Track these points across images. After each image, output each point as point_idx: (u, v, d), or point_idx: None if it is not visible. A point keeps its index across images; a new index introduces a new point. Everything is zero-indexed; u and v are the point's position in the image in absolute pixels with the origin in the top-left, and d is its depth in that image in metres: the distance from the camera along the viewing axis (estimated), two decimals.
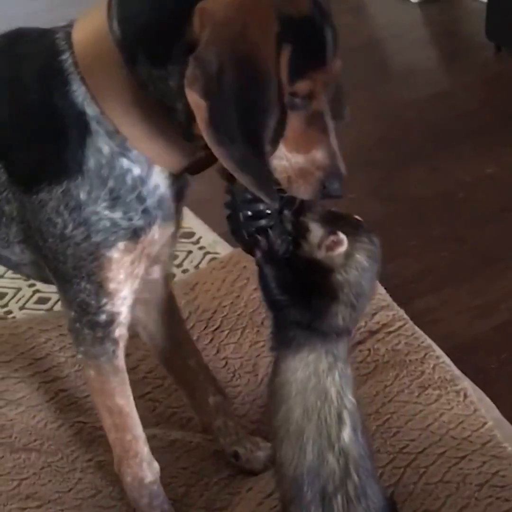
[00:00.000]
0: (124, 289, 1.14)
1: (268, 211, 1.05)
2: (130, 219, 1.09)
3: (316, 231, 1.05)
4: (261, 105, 0.96)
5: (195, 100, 0.96)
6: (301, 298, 1.06)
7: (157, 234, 1.13)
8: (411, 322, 1.52)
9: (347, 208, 2.21)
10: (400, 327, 1.49)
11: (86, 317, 1.16)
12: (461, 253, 2.04)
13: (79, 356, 1.21)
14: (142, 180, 1.09)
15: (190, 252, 2.12)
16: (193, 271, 2.02)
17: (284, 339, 1.08)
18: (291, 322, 1.07)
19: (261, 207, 1.05)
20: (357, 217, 1.09)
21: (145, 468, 1.25)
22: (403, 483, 1.21)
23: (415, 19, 3.35)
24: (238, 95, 0.95)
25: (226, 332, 1.54)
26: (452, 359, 1.46)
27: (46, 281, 1.23)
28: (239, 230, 1.06)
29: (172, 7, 0.99)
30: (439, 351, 1.45)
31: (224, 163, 0.98)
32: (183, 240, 2.17)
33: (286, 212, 1.06)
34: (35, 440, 1.36)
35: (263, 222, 1.05)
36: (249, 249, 1.08)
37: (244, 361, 1.49)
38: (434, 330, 1.58)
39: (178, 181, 1.13)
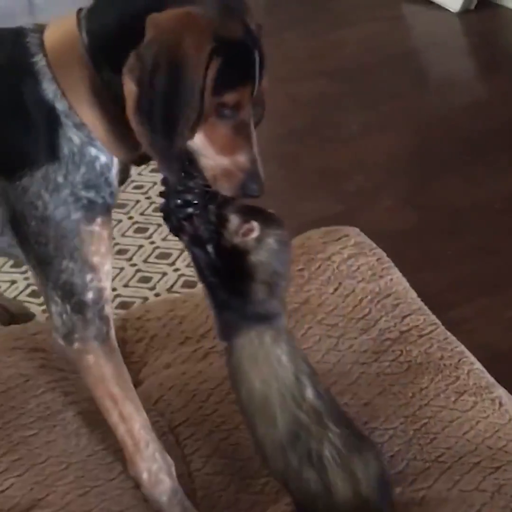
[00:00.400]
0: (106, 263, 1.23)
1: (195, 202, 1.23)
2: (103, 198, 1.22)
3: (234, 220, 1.23)
4: (181, 103, 1.12)
5: (129, 86, 1.12)
6: (227, 278, 1.23)
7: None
8: (442, 327, 1.52)
9: (381, 216, 2.24)
10: (432, 331, 1.49)
11: (72, 300, 1.21)
12: (496, 264, 2.03)
13: (75, 345, 1.24)
14: (108, 167, 1.22)
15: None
16: None
17: (226, 324, 1.23)
18: (225, 305, 1.23)
19: (189, 197, 1.23)
20: (270, 210, 1.26)
21: (158, 458, 1.28)
22: (437, 489, 1.21)
23: (453, 29, 3.33)
24: (164, 91, 1.11)
25: None
26: (486, 369, 1.45)
27: (31, 266, 1.29)
28: (169, 216, 1.25)
29: (130, 22, 1.15)
30: (472, 358, 1.45)
31: (141, 142, 1.14)
32: None
33: (210, 206, 1.24)
34: (85, 426, 1.38)
35: (190, 210, 1.23)
36: (177, 233, 1.27)
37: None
38: (468, 340, 1.57)
39: (124, 171, 1.28)
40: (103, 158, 1.21)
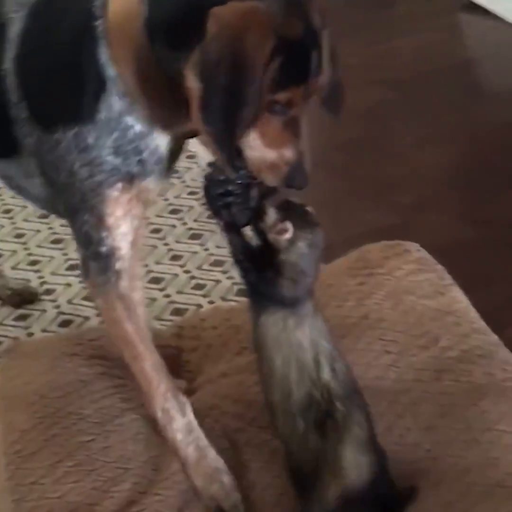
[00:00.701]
0: (123, 225, 1.30)
1: (236, 191, 1.27)
2: (128, 166, 1.27)
3: (271, 215, 1.27)
4: (241, 99, 1.15)
5: (192, 81, 1.16)
6: (259, 266, 1.28)
7: (152, 184, 1.31)
8: (504, 348, 1.50)
9: (437, 230, 2.22)
10: (493, 352, 1.47)
11: (90, 248, 1.32)
12: None
13: (89, 287, 1.37)
14: (141, 136, 1.26)
15: None
16: None
17: (255, 301, 1.31)
18: (255, 287, 1.30)
19: (230, 187, 1.27)
20: (308, 209, 1.29)
21: (170, 397, 1.34)
22: None
23: (509, 40, 3.30)
24: (226, 86, 1.15)
25: None
26: None
27: (58, 213, 1.41)
28: (210, 202, 1.31)
29: (193, 7, 1.18)
30: None
31: (204, 135, 1.18)
32: None
33: (253, 192, 1.28)
34: (142, 433, 1.40)
35: (229, 199, 1.28)
36: (216, 219, 1.33)
37: None
38: None
39: (176, 143, 1.32)
40: (138, 127, 1.25)
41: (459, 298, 1.56)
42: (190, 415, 1.36)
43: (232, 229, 1.30)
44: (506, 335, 1.75)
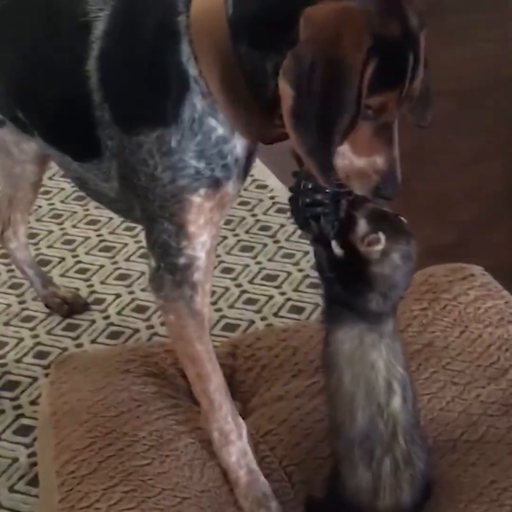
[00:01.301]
0: (204, 234, 1.25)
1: (325, 201, 1.22)
2: (212, 170, 1.22)
3: (362, 226, 1.20)
4: (339, 105, 1.09)
5: (284, 88, 1.09)
6: (345, 278, 1.21)
7: (232, 188, 1.26)
8: None
9: (497, 250, 2.16)
10: None
11: (166, 260, 1.26)
12: None
13: (160, 301, 1.31)
14: (224, 139, 1.21)
15: None
16: None
17: (333, 314, 1.24)
18: (337, 299, 1.23)
19: (319, 196, 1.22)
20: (402, 218, 1.23)
21: (230, 421, 1.32)
22: None
23: None
24: (322, 92, 1.08)
25: None
26: None
27: (134, 219, 1.37)
28: (298, 213, 1.24)
29: (281, 6, 1.12)
30: None
31: (296, 146, 1.11)
32: None
33: (343, 202, 1.22)
34: (199, 458, 1.36)
35: (318, 209, 1.22)
36: (302, 229, 1.27)
37: None
38: None
39: (252, 146, 1.27)
40: (221, 130, 1.21)
41: None
42: (246, 439, 1.34)
43: (320, 241, 1.23)
44: None
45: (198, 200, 1.22)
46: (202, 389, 1.32)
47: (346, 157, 1.15)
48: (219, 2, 1.17)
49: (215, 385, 1.32)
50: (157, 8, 1.23)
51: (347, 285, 1.21)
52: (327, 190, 1.20)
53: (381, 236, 1.17)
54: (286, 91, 1.09)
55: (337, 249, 1.23)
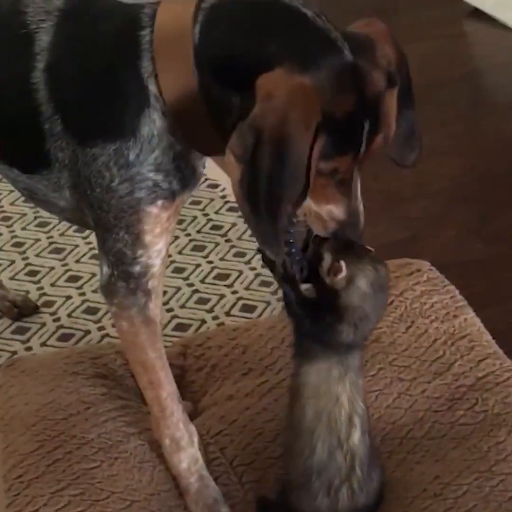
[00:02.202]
0: (160, 242, 1.25)
1: (291, 241, 1.21)
2: (170, 183, 1.22)
3: (327, 259, 1.22)
4: (285, 181, 1.08)
5: (231, 161, 1.10)
6: (314, 313, 1.22)
7: (187, 196, 1.28)
8: None
9: (447, 246, 2.18)
10: (509, 378, 1.43)
11: (121, 267, 1.26)
12: None
13: (113, 309, 1.29)
14: (182, 155, 1.22)
15: None
16: None
17: (301, 348, 1.25)
18: (306, 334, 1.23)
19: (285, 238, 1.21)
20: (368, 247, 1.24)
21: (181, 428, 1.32)
22: None
23: None
24: (267, 169, 1.07)
25: None
26: None
27: (88, 227, 1.35)
28: (263, 255, 1.24)
29: (249, 51, 1.12)
30: None
31: (243, 217, 1.12)
32: None
33: (311, 243, 1.24)
34: (148, 461, 1.36)
35: (284, 249, 1.21)
36: (271, 272, 1.28)
37: None
38: None
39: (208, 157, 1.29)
40: (178, 147, 1.21)
41: (472, 320, 1.52)
42: (197, 445, 1.34)
43: (288, 280, 1.23)
44: None
45: (155, 211, 1.22)
46: (154, 396, 1.31)
47: (307, 200, 1.15)
48: (186, 26, 1.16)
49: (167, 392, 1.31)
50: (115, 19, 1.22)
51: (317, 320, 1.22)
52: (291, 230, 1.20)
53: (342, 263, 1.18)
54: (232, 163, 1.10)
55: (304, 286, 1.24)
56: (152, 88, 1.18)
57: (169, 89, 1.17)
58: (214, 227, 2.32)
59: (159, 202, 1.22)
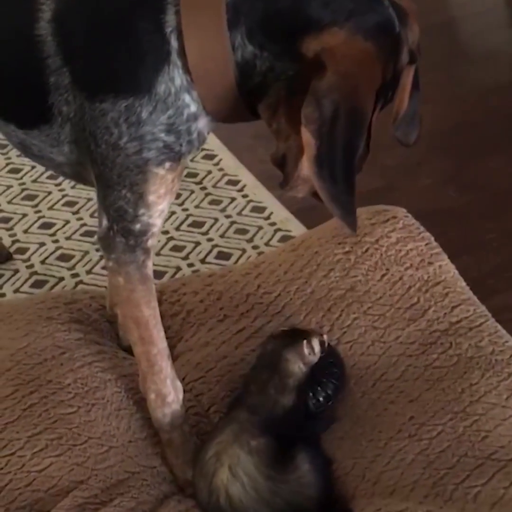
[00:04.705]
0: (163, 202, 1.24)
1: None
2: (180, 145, 1.20)
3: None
4: (357, 149, 1.11)
5: (307, 138, 1.09)
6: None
7: (189, 159, 1.27)
8: (493, 319, 1.47)
9: (422, 195, 2.18)
10: (482, 323, 1.45)
11: (121, 224, 1.24)
12: None
13: (110, 263, 1.28)
14: (194, 117, 1.19)
15: (260, 228, 2.08)
16: (263, 247, 1.99)
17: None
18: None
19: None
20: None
21: (168, 384, 1.32)
22: (492, 486, 1.18)
23: None
24: (344, 139, 1.09)
25: (287, 315, 1.51)
26: None
27: (85, 182, 1.32)
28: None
29: (291, 14, 1.10)
30: None
31: (321, 195, 1.12)
32: (254, 214, 2.14)
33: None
34: (125, 408, 1.36)
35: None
36: None
37: None
38: (511, 330, 1.54)
39: (215, 122, 1.25)
40: (193, 107, 1.18)
41: (447, 267, 1.53)
42: (182, 402, 1.34)
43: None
44: (493, 303, 1.73)
45: (162, 173, 1.20)
46: (143, 351, 1.31)
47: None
48: None
49: (157, 349, 1.31)
50: None
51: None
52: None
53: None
54: (308, 140, 1.09)
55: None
56: (174, 43, 1.14)
57: (193, 46, 1.14)
58: (190, 175, 2.30)
59: (167, 164, 1.20)
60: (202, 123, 1.21)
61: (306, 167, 1.12)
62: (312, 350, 1.33)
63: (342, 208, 1.11)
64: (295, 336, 1.36)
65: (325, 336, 1.36)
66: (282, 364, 1.32)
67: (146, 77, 1.15)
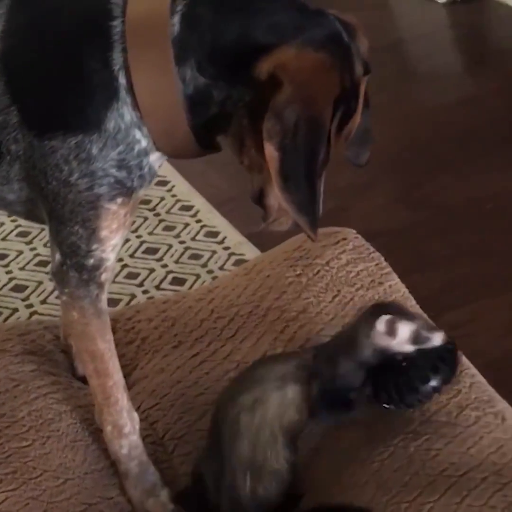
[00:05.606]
0: (116, 237, 1.23)
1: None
2: (131, 181, 1.20)
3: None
4: (319, 158, 1.12)
5: (270, 151, 1.11)
6: None
7: (142, 192, 1.26)
8: (444, 338, 1.50)
9: (374, 215, 2.21)
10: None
11: (74, 259, 1.24)
12: (491, 265, 2.02)
13: (64, 297, 1.28)
14: (145, 152, 1.20)
15: (214, 252, 2.09)
16: (217, 271, 2.01)
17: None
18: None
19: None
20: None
21: (125, 416, 1.32)
22: (444, 502, 1.19)
23: (440, 20, 3.31)
24: (305, 148, 1.10)
25: (241, 339, 1.52)
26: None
27: (37, 219, 1.31)
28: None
29: (240, 39, 1.12)
30: (473, 369, 1.42)
31: (287, 207, 1.14)
32: (207, 239, 2.15)
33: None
34: (80, 439, 1.36)
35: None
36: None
37: None
38: (463, 346, 1.56)
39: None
40: (144, 143, 1.19)
41: (397, 287, 1.54)
42: (138, 432, 1.33)
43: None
44: (444, 320, 1.76)
45: (115, 208, 1.20)
46: (99, 383, 1.30)
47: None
48: (162, 16, 1.13)
49: (113, 381, 1.30)
50: (79, 7, 1.17)
51: None
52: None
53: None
54: (272, 153, 1.10)
55: None
56: (122, 80, 1.15)
57: (141, 83, 1.14)
58: (143, 201, 2.30)
59: (119, 200, 1.19)
60: (153, 158, 1.21)
61: (273, 181, 1.13)
62: (392, 333, 1.16)
63: (308, 217, 1.14)
64: (389, 310, 1.19)
65: (436, 334, 1.18)
66: (355, 331, 1.20)
67: (95, 114, 1.16)
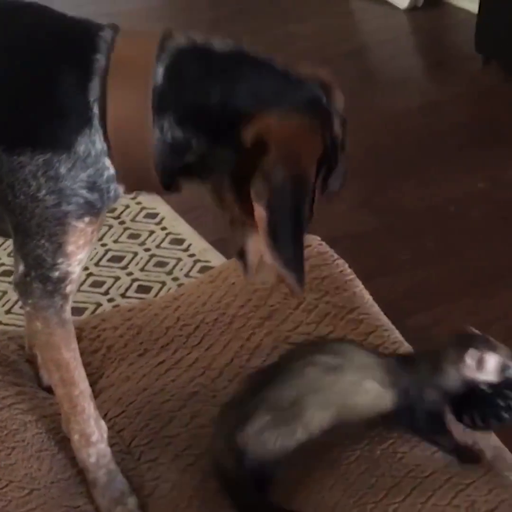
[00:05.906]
0: (82, 252, 1.25)
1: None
2: (101, 202, 1.22)
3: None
4: (305, 215, 1.16)
5: (259, 212, 1.15)
6: None
7: (106, 210, 1.28)
8: (407, 344, 1.51)
9: (337, 220, 2.23)
10: (396, 350, 1.47)
11: (39, 271, 1.24)
12: (454, 269, 2.04)
13: (27, 308, 1.28)
14: (114, 178, 1.21)
15: (180, 259, 2.10)
16: (183, 279, 2.01)
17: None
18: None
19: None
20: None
21: (92, 424, 1.32)
22: (410, 502, 1.21)
23: (401, 26, 3.35)
24: (292, 207, 1.14)
25: (206, 347, 1.53)
26: None
27: (2, 233, 1.31)
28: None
29: (224, 102, 1.15)
30: None
31: (276, 264, 1.18)
32: (173, 247, 2.15)
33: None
34: (46, 449, 1.35)
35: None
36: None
37: (226, 370, 1.48)
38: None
39: None
40: (112, 170, 1.21)
41: (361, 293, 1.55)
42: (106, 441, 1.34)
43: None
44: (408, 324, 1.78)
45: (82, 226, 1.21)
46: (65, 393, 1.31)
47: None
48: (148, 64, 1.16)
49: (79, 390, 1.30)
50: (73, 34, 1.19)
51: None
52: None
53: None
54: (261, 214, 1.14)
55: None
56: (96, 111, 1.17)
57: (115, 118, 1.17)
58: (108, 210, 2.31)
59: (86, 219, 1.21)
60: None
61: (262, 238, 1.17)
62: (481, 367, 1.21)
63: (296, 273, 1.17)
64: (476, 343, 1.24)
65: None
66: (442, 361, 1.24)
67: (66, 136, 1.17)
